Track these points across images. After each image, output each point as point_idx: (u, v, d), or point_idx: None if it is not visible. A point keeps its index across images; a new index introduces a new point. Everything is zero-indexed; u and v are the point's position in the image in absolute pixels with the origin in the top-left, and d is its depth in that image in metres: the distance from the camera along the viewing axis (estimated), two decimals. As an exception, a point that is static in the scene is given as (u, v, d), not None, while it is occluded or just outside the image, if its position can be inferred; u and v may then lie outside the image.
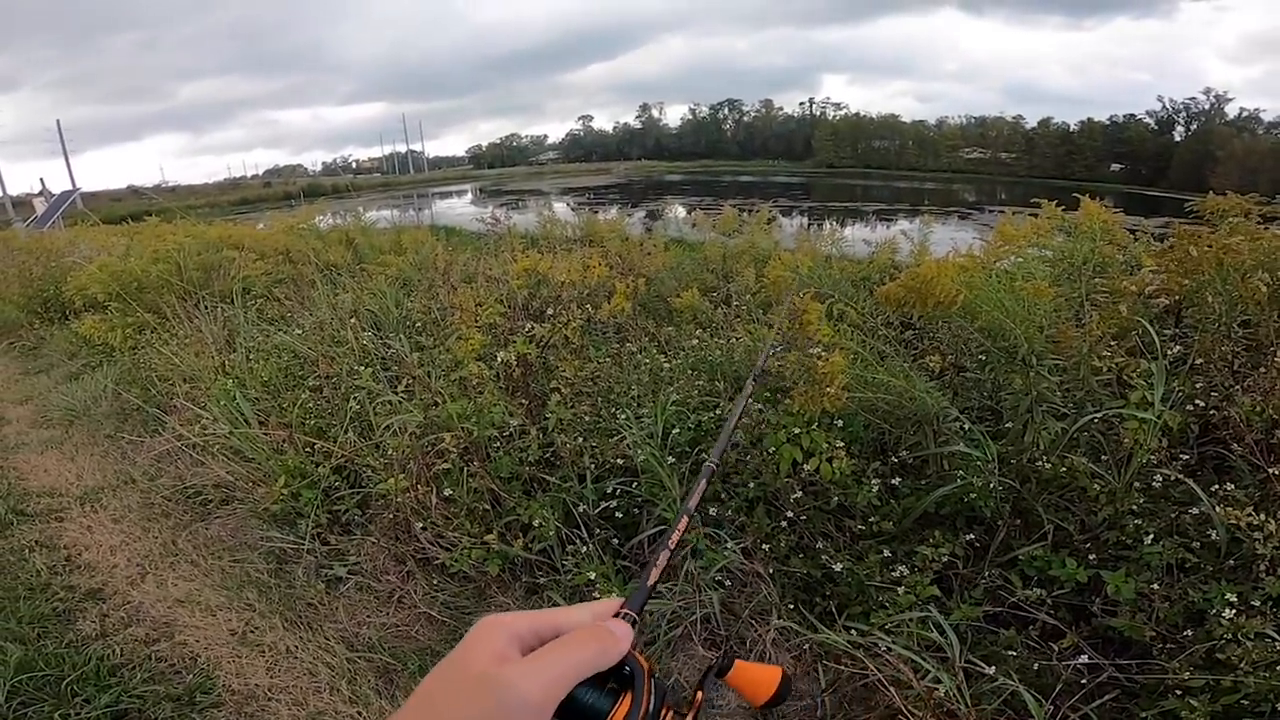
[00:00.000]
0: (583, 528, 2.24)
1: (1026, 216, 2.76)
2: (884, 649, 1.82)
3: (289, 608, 2.41)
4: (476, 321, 2.41)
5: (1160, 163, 52.15)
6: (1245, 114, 50.59)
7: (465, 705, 0.38)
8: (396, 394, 2.54)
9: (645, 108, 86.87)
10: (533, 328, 2.45)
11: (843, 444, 2.14)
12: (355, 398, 3.01)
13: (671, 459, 2.27)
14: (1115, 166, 56.10)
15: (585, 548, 2.14)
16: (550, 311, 2.47)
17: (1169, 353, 2.58)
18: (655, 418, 2.24)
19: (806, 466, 2.15)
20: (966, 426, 2.39)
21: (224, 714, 2.01)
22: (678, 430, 2.33)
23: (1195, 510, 2.15)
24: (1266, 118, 49.05)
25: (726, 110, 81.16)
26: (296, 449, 2.93)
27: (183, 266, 6.53)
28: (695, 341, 2.86)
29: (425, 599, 2.33)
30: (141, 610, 2.51)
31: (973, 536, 2.26)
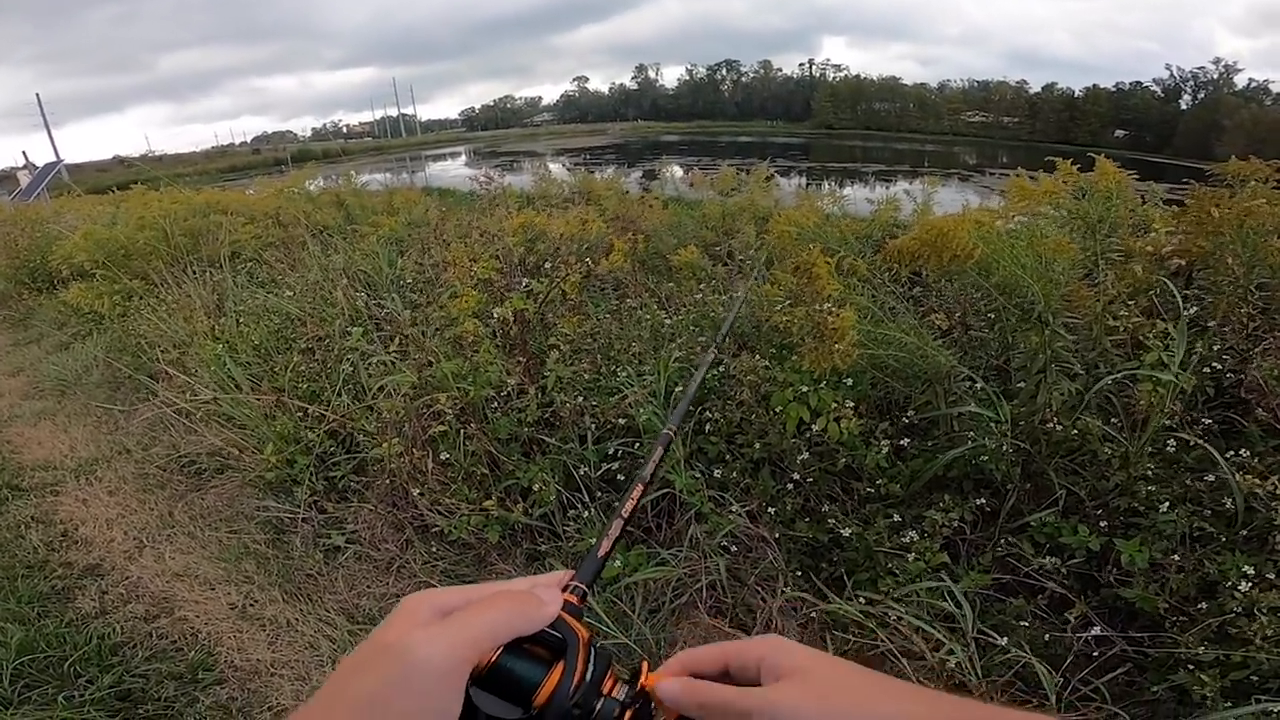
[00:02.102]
0: (584, 490, 2.18)
1: (1041, 175, 2.65)
2: (894, 618, 1.78)
3: (288, 579, 2.37)
4: (471, 277, 2.30)
5: (1165, 130, 51.45)
6: (1254, 84, 49.73)
7: (369, 675, 0.37)
8: (389, 354, 2.44)
9: (641, 69, 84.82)
10: (529, 283, 2.34)
11: (852, 404, 2.07)
12: (348, 359, 2.92)
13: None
14: (1119, 133, 55.35)
15: (587, 512, 2.08)
16: (548, 265, 2.37)
17: (1186, 314, 2.51)
18: (658, 375, 2.16)
19: (815, 427, 2.08)
20: (978, 386, 2.32)
21: (227, 691, 1.98)
22: (680, 389, 2.25)
23: (1210, 477, 2.11)
24: (1276, 89, 48.17)
25: (724, 71, 79.27)
26: (289, 414, 2.86)
27: (170, 232, 6.41)
28: (700, 296, 2.76)
29: (425, 568, 2.29)
30: (140, 586, 2.47)
31: (983, 501, 2.22)
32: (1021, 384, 2.40)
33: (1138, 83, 56.56)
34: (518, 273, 2.32)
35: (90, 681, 2.00)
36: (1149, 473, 2.15)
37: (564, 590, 0.47)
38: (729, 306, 2.81)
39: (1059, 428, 2.29)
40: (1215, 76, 52.11)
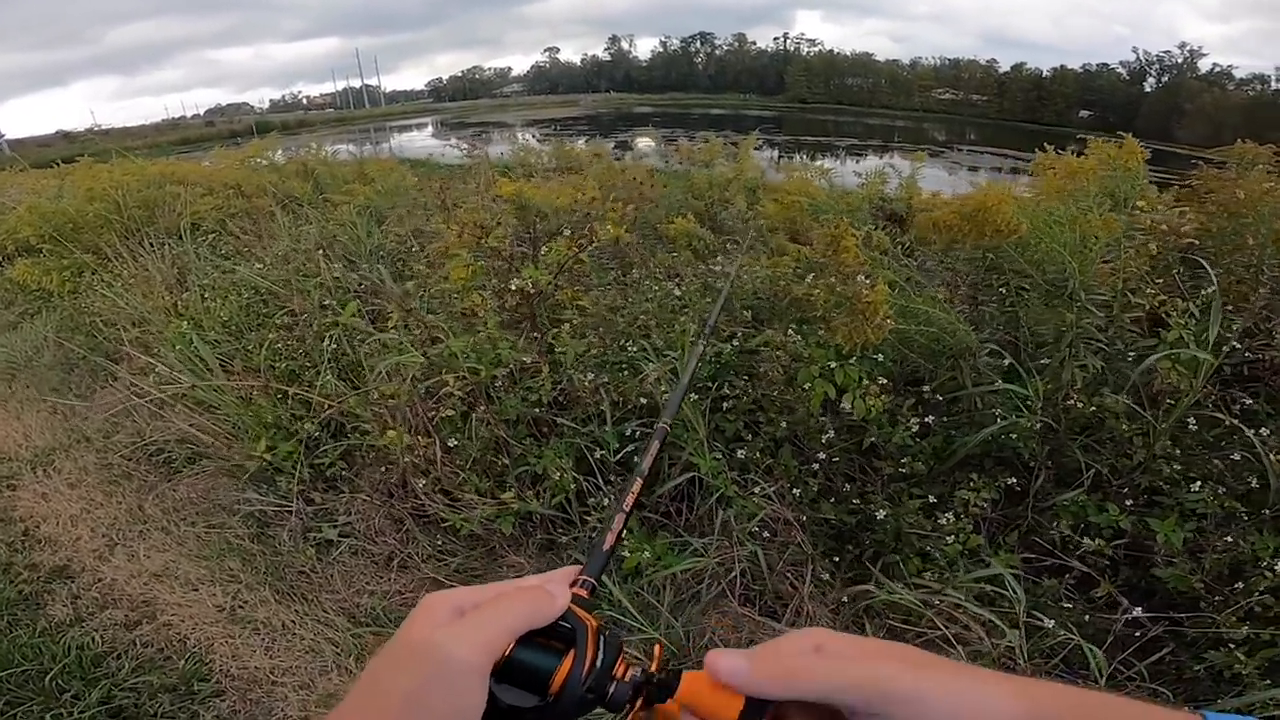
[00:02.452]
0: (598, 475, 2.04)
1: (1067, 154, 2.56)
2: (941, 603, 1.70)
3: (278, 577, 2.18)
4: (480, 246, 2.09)
5: (1128, 112, 52.50)
6: (1217, 70, 50.91)
7: (404, 674, 0.39)
8: (391, 331, 2.23)
9: (615, 40, 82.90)
10: (547, 250, 2.15)
11: (884, 379, 1.97)
12: (331, 335, 2.70)
13: (694, 395, 2.06)
14: (1084, 113, 56.43)
15: (608, 500, 1.93)
16: (568, 232, 2.17)
17: (1203, 293, 2.48)
18: (681, 350, 2.01)
19: (845, 405, 1.97)
20: (1007, 362, 2.24)
21: (227, 703, 1.81)
22: (698, 364, 2.10)
23: (1236, 455, 2.08)
24: (1238, 74, 49.43)
25: (699, 44, 78.08)
26: (269, 398, 2.63)
27: (122, 204, 5.97)
28: (704, 267, 2.61)
29: (429, 561, 2.13)
30: (116, 589, 2.26)
31: (1014, 480, 2.15)
32: (1045, 360, 2.33)
33: (1104, 65, 57.67)
34: (514, 243, 2.13)
35: (76, 697, 1.82)
36: (1174, 451, 2.12)
37: (573, 585, 0.49)
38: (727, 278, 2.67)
39: (1080, 405, 2.23)
40: (1180, 61, 53.25)
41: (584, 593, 0.50)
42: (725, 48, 76.57)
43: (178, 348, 3.22)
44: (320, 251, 3.57)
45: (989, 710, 0.37)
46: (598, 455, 2.02)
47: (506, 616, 0.42)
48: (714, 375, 2.20)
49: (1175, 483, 2.04)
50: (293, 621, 2.00)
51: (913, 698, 0.38)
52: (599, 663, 0.43)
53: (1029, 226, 1.84)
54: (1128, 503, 2.04)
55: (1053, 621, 1.71)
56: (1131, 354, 2.37)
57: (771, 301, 2.23)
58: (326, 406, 2.33)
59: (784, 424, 2.03)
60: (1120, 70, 56.30)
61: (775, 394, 2.06)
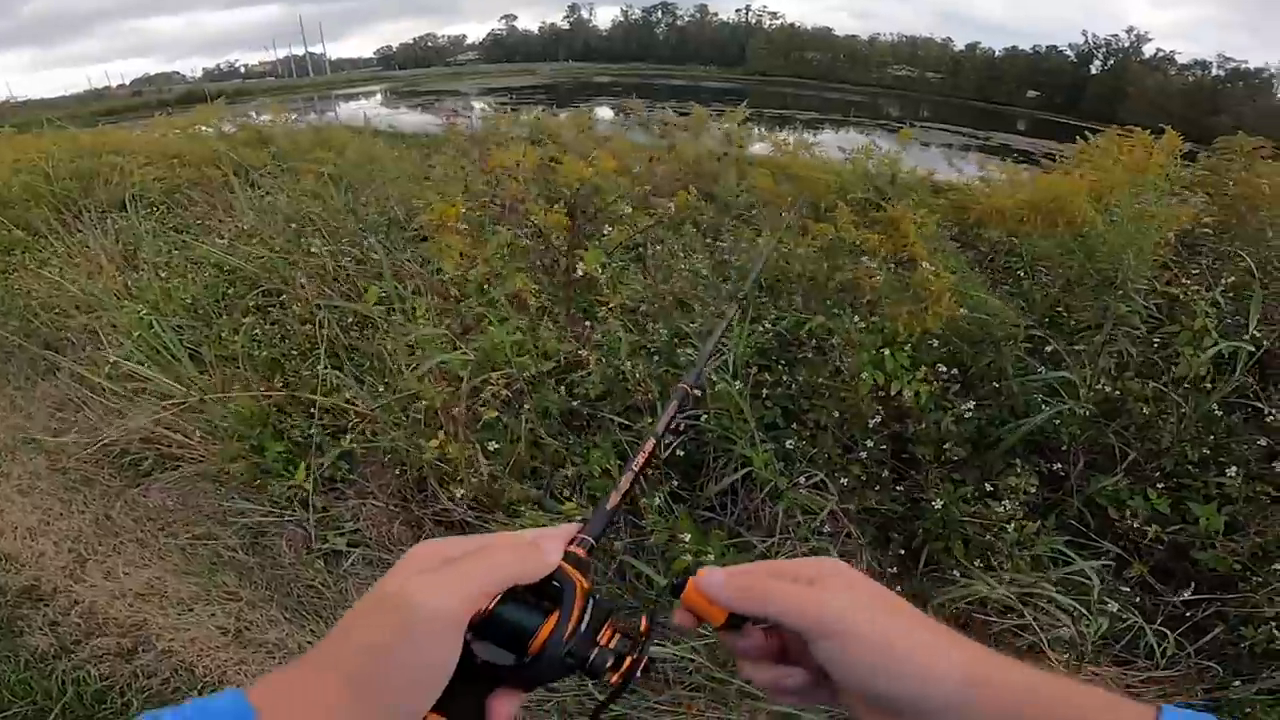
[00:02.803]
0: (640, 477, 1.87)
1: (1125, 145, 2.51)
2: (1001, 590, 1.66)
3: (283, 593, 1.95)
4: (529, 224, 1.86)
5: (1075, 94, 53.99)
6: (1161, 55, 52.35)
7: (373, 624, 0.38)
8: (415, 321, 1.97)
9: (574, 8, 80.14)
10: (610, 231, 1.93)
11: (943, 366, 1.87)
12: (319, 319, 2.43)
13: (738, 383, 1.92)
14: (1032, 93, 57.88)
15: (657, 499, 1.78)
16: (628, 209, 1.95)
17: (1223, 282, 2.47)
18: (737, 337, 1.85)
19: (898, 391, 1.86)
20: (1049, 349, 2.18)
21: None
22: (731, 337, 1.95)
23: (1263, 441, 2.10)
24: (1181, 60, 50.87)
25: (660, 14, 76.45)
26: (251, 391, 2.36)
27: (53, 176, 5.41)
28: (744, 242, 2.44)
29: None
30: (98, 611, 1.99)
31: (1059, 466, 2.11)
32: (1080, 346, 2.28)
33: (1053, 47, 59.09)
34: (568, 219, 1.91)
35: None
36: (1213, 437, 2.13)
37: (571, 543, 0.47)
38: (752, 255, 2.53)
39: (1117, 391, 2.21)
40: (1126, 46, 54.92)
41: (581, 551, 0.47)
42: (687, 18, 75.40)
43: (135, 334, 2.89)
44: (294, 226, 3.25)
45: (935, 665, 0.39)
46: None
47: (490, 570, 0.40)
48: (752, 359, 2.07)
49: (1204, 466, 2.06)
50: (309, 642, 1.79)
51: (849, 633, 0.39)
52: (583, 626, 0.41)
53: (1101, 222, 1.75)
54: (1159, 486, 2.04)
55: (1117, 605, 1.70)
56: (1156, 340, 2.37)
57: (815, 282, 2.09)
58: (345, 411, 2.06)
59: (835, 413, 1.91)
60: (1069, 53, 57.84)
61: (822, 381, 1.94)
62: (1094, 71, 56.77)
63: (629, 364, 1.80)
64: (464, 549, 0.41)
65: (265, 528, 2.19)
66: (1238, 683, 1.71)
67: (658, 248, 2.42)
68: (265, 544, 2.15)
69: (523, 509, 1.73)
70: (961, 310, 1.92)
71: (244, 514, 2.24)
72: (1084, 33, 59.36)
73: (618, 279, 2.07)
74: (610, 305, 1.87)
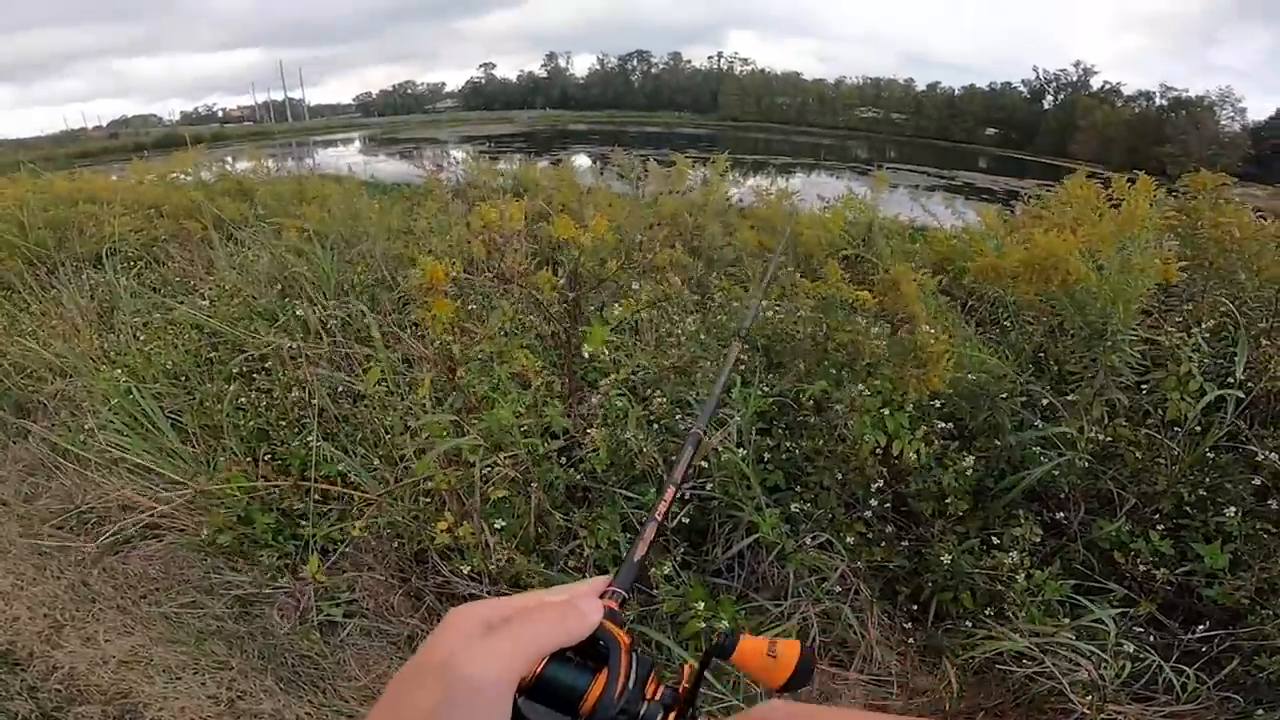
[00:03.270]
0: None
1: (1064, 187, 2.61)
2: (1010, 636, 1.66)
3: (277, 663, 1.86)
4: (529, 295, 1.84)
5: (1029, 129, 56.17)
6: (1107, 86, 54.36)
7: (424, 693, 0.38)
8: (415, 395, 1.92)
9: (552, 56, 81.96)
10: (620, 305, 1.92)
11: (941, 423, 1.89)
12: (306, 387, 2.38)
13: (742, 450, 1.91)
14: (990, 130, 60.06)
15: (667, 568, 1.74)
16: (635, 285, 1.94)
17: (1203, 326, 2.55)
18: (744, 408, 1.85)
19: (911, 454, 1.87)
20: (1045, 403, 2.22)
21: None
22: (746, 415, 1.95)
23: (1257, 480, 2.16)
24: (1126, 91, 52.95)
25: (635, 62, 78.40)
26: (238, 462, 2.29)
27: (28, 226, 5.27)
28: (735, 300, 2.46)
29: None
30: (78, 678, 1.88)
31: (1062, 515, 2.13)
32: (1071, 397, 2.32)
33: (1008, 83, 61.55)
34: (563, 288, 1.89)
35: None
36: (1208, 479, 2.17)
37: (603, 596, 0.47)
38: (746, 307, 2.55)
39: (1109, 438, 2.26)
40: (1075, 79, 57.21)
41: (614, 604, 0.48)
42: (661, 66, 77.70)
43: (114, 401, 2.80)
44: (278, 286, 3.20)
45: None
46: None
47: (536, 635, 0.40)
48: (753, 424, 2.06)
49: (1202, 506, 2.12)
50: (308, 714, 1.70)
51: None
52: (631, 682, 0.42)
53: (1095, 280, 1.81)
54: (1159, 528, 2.09)
55: (1133, 646, 1.73)
56: (1144, 386, 2.43)
57: (815, 343, 2.11)
58: (344, 487, 1.99)
59: (838, 474, 1.91)
60: (1022, 89, 60.27)
61: (824, 445, 1.94)
62: (1046, 106, 59.00)
63: (632, 436, 1.78)
64: (503, 613, 0.42)
65: (255, 598, 2.11)
66: (1260, 711, 1.75)
67: (653, 312, 2.44)
68: (255, 613, 2.07)
69: (532, 581, 1.68)
70: (964, 374, 1.95)
71: (232, 585, 2.15)
72: (1035, 68, 61.84)
73: (619, 350, 2.07)
74: (612, 378, 1.85)
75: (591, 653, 0.42)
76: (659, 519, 0.61)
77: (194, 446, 2.50)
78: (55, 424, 3.19)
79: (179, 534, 2.36)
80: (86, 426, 2.83)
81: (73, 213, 5.71)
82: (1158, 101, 48.60)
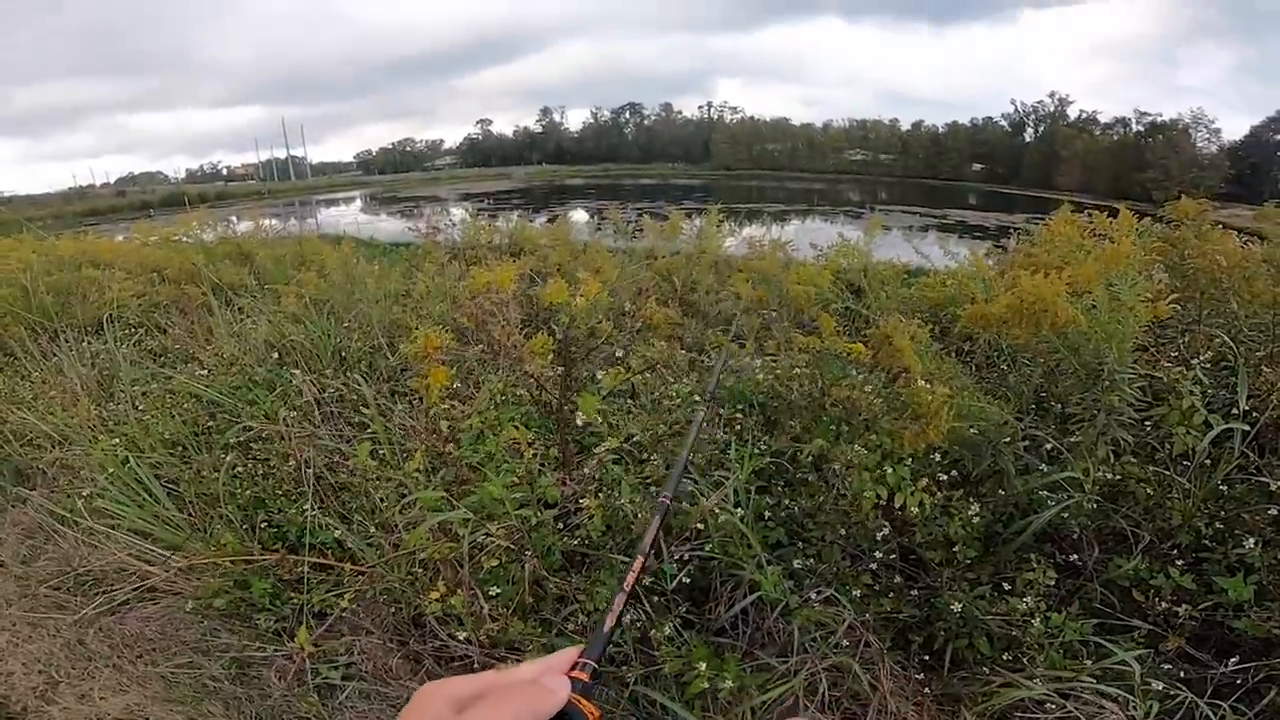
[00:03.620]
0: (645, 603, 1.79)
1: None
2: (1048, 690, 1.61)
3: None
4: (521, 370, 1.83)
5: (1014, 163, 57.06)
6: (1085, 115, 55.11)
7: None
8: (405, 469, 1.91)
9: (546, 111, 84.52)
10: (601, 377, 1.93)
11: (944, 476, 1.86)
12: (305, 459, 2.37)
13: (740, 509, 1.89)
14: (977, 166, 61.09)
15: (667, 628, 1.69)
16: (619, 352, 1.96)
17: (1201, 357, 2.55)
18: (741, 467, 1.84)
19: (913, 506, 1.85)
20: (1049, 447, 2.20)
21: None
22: (743, 474, 1.94)
23: (1274, 510, 2.12)
24: (1103, 119, 53.59)
25: (628, 114, 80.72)
26: (234, 529, 2.26)
27: (31, 290, 5.33)
28: (731, 358, 2.47)
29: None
30: None
31: (1076, 557, 2.09)
32: (1075, 438, 2.31)
33: (989, 118, 62.79)
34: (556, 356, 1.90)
35: None
36: (1221, 512, 2.13)
37: (572, 669, 0.49)
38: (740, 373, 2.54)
39: (1116, 476, 2.23)
40: (1052, 110, 58.28)
41: (584, 676, 0.48)
42: (654, 117, 79.99)
43: (110, 471, 2.79)
44: (276, 355, 3.21)
45: None
46: (646, 582, 1.78)
47: (508, 717, 0.41)
48: (753, 483, 2.05)
49: (1220, 539, 2.09)
50: None
51: None
52: None
53: (1084, 321, 1.82)
54: (1179, 563, 2.05)
55: (1161, 684, 1.68)
56: (1147, 423, 2.41)
57: (812, 401, 2.11)
58: (350, 573, 1.97)
59: (842, 530, 1.88)
60: (1003, 123, 61.45)
61: (824, 501, 1.92)
62: (1028, 139, 59.92)
63: (628, 500, 1.77)
64: (471, 690, 0.43)
65: (252, 660, 2.08)
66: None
67: (648, 375, 2.45)
68: (252, 675, 2.04)
69: (528, 647, 1.64)
70: (962, 424, 1.94)
71: (229, 647, 2.13)
72: (1013, 101, 63.12)
73: (612, 417, 2.07)
74: (605, 445, 1.85)
75: None
76: (626, 590, 0.62)
77: (190, 514, 2.48)
78: (54, 490, 3.18)
79: (175, 597, 2.34)
80: (84, 494, 2.82)
81: (76, 278, 5.77)
82: (1134, 127, 49.30)
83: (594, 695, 0.47)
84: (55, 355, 4.53)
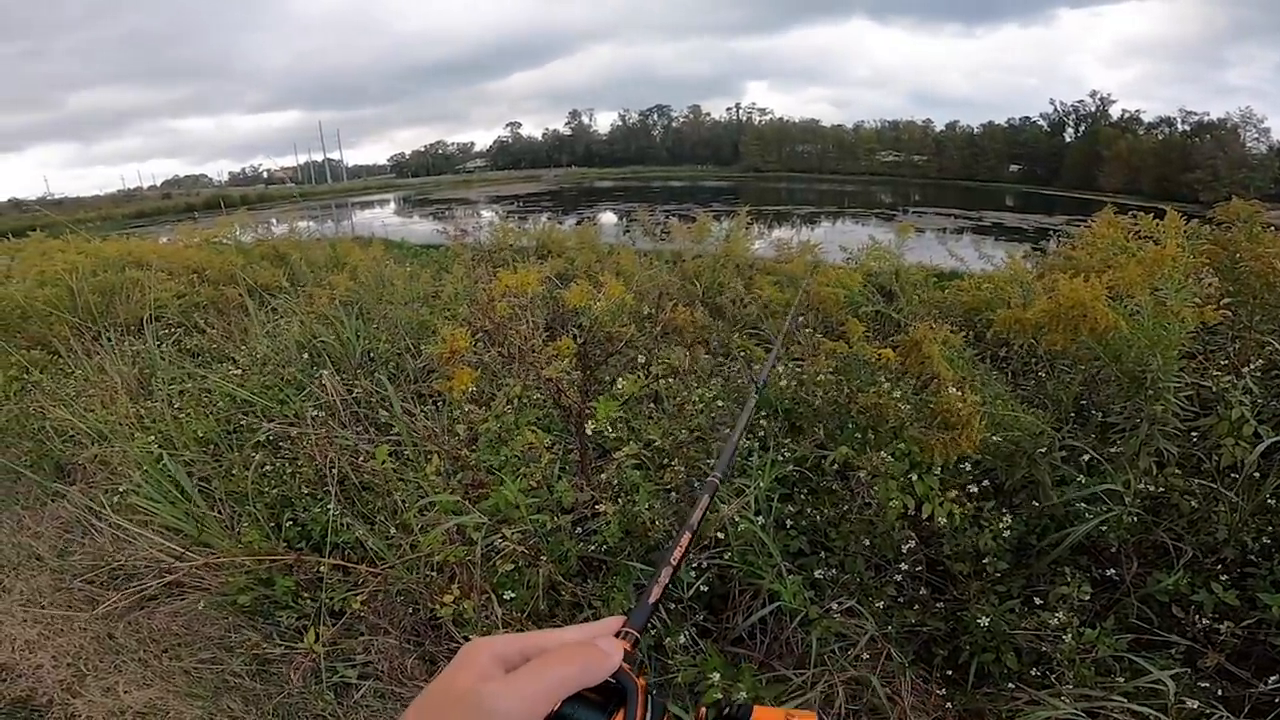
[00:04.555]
0: (662, 612, 1.77)
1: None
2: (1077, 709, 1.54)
3: None
4: (537, 374, 1.81)
5: (1054, 163, 55.37)
6: (1127, 115, 53.28)
7: None
8: (422, 473, 1.93)
9: (575, 114, 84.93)
10: (627, 379, 1.91)
11: (974, 486, 1.79)
12: (330, 458, 2.40)
13: (760, 518, 1.85)
14: (1014, 167, 59.34)
15: (682, 637, 1.66)
16: (641, 358, 1.94)
17: (1251, 364, 2.43)
18: (762, 474, 1.80)
19: (941, 517, 1.78)
20: (1087, 458, 2.11)
21: None
22: (764, 482, 1.90)
23: None
24: (1146, 118, 51.84)
25: (656, 116, 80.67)
26: (260, 527, 2.30)
27: (76, 290, 5.52)
28: (756, 362, 2.43)
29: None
30: None
31: (1113, 571, 1.99)
32: (1116, 449, 2.21)
33: (1027, 118, 60.91)
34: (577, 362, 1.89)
35: None
36: (1269, 526, 2.03)
37: (617, 636, 0.49)
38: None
39: (1159, 490, 2.13)
40: (1093, 110, 56.36)
41: (628, 645, 0.48)
42: (682, 119, 79.78)
43: (145, 469, 2.86)
44: (306, 355, 3.27)
45: None
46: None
47: (559, 677, 0.41)
48: (776, 490, 2.00)
49: (1267, 555, 2.00)
50: None
51: None
52: None
53: (1126, 326, 1.73)
54: (1223, 579, 1.96)
55: (1197, 703, 1.61)
56: (1194, 433, 2.30)
57: (837, 406, 2.05)
58: (365, 574, 2.00)
59: (866, 541, 1.82)
60: (1042, 123, 59.57)
61: (849, 510, 1.87)
62: (1068, 139, 57.94)
63: (646, 507, 1.73)
64: (519, 648, 0.42)
65: (273, 656, 2.12)
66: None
67: (671, 380, 2.42)
68: (272, 672, 2.07)
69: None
70: (995, 433, 1.87)
71: (251, 643, 2.17)
72: (1052, 100, 61.16)
73: (631, 421, 2.05)
74: (624, 451, 1.82)
75: (607, 693, 0.43)
76: (674, 564, 0.61)
77: (219, 512, 2.53)
78: (91, 486, 3.28)
79: (202, 593, 2.40)
80: (120, 490, 2.90)
81: (120, 278, 5.96)
82: (1179, 127, 47.52)
83: (636, 664, 0.46)
84: (98, 354, 4.67)
